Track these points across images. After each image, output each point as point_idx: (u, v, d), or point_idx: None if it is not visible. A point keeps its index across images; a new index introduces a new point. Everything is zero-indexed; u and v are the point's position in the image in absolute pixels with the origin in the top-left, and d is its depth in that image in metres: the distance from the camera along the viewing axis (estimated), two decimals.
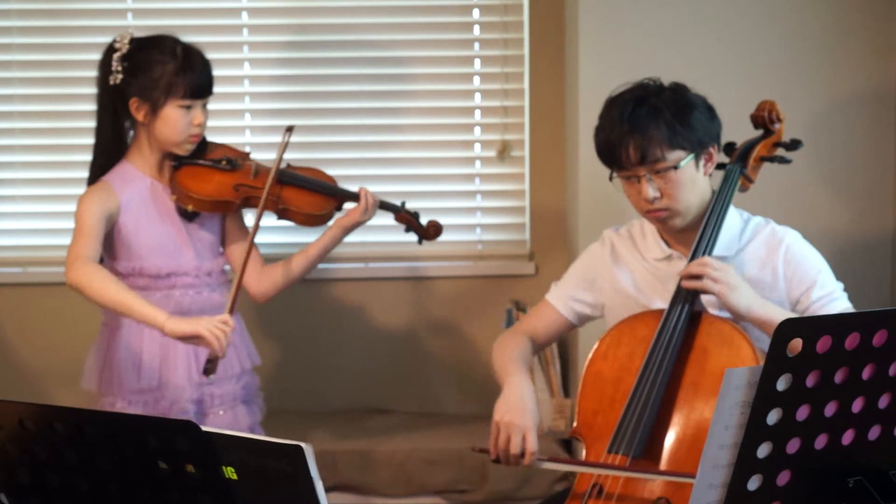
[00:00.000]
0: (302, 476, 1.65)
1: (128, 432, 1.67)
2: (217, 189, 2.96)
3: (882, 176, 3.58)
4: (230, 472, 1.67)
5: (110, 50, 2.91)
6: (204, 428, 1.61)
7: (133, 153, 2.96)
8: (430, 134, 4.00)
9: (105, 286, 2.76)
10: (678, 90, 2.54)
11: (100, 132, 2.98)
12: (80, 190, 4.03)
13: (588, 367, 2.53)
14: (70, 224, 3.93)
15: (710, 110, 2.56)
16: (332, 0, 3.94)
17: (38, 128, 3.96)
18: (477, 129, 4.01)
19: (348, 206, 3.07)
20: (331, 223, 3.08)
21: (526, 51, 3.94)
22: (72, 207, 4.10)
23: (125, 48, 2.89)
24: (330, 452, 3.59)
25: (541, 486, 3.55)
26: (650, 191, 2.48)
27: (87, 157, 3.92)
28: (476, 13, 3.97)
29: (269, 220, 3.08)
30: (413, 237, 3.23)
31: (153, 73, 2.86)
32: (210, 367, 2.80)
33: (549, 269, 3.99)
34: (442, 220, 3.96)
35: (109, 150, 2.98)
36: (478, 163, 4.03)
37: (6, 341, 3.95)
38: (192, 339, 2.74)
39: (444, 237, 3.97)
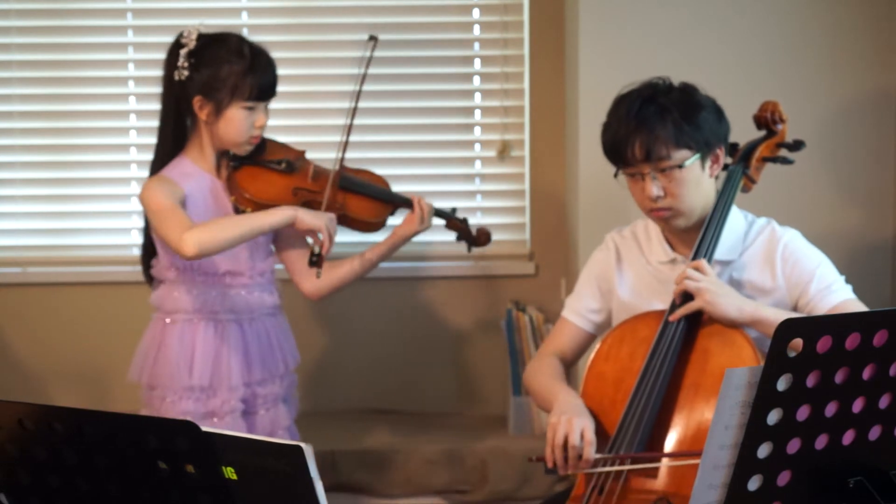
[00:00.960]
0: (302, 476, 1.65)
1: (127, 432, 1.67)
2: (276, 193, 2.94)
3: (883, 176, 3.58)
4: (230, 473, 1.67)
5: (177, 45, 2.89)
6: (204, 428, 1.61)
7: (192, 149, 2.94)
8: (430, 134, 4.00)
9: (221, 233, 2.77)
10: (687, 90, 2.54)
11: (163, 129, 2.96)
12: (81, 190, 4.06)
13: (589, 368, 2.53)
14: (70, 224, 3.97)
15: (718, 112, 2.56)
16: (332, 0, 3.94)
17: (38, 128, 3.96)
18: (477, 129, 4.01)
19: (402, 210, 3.08)
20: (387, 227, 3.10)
21: (526, 51, 3.93)
22: (71, 207, 4.10)
23: (192, 44, 2.87)
24: (330, 452, 3.59)
25: (541, 487, 3.55)
26: (654, 189, 2.47)
27: (88, 157, 3.96)
28: (476, 13, 3.97)
29: None
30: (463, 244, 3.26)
31: (220, 72, 2.84)
32: (316, 260, 2.87)
33: (549, 269, 3.99)
34: (441, 220, 3.98)
35: (171, 146, 2.95)
36: (478, 163, 4.02)
37: (6, 341, 3.95)
38: (312, 232, 2.86)
39: (443, 237, 3.98)
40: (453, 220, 3.18)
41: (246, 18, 3.97)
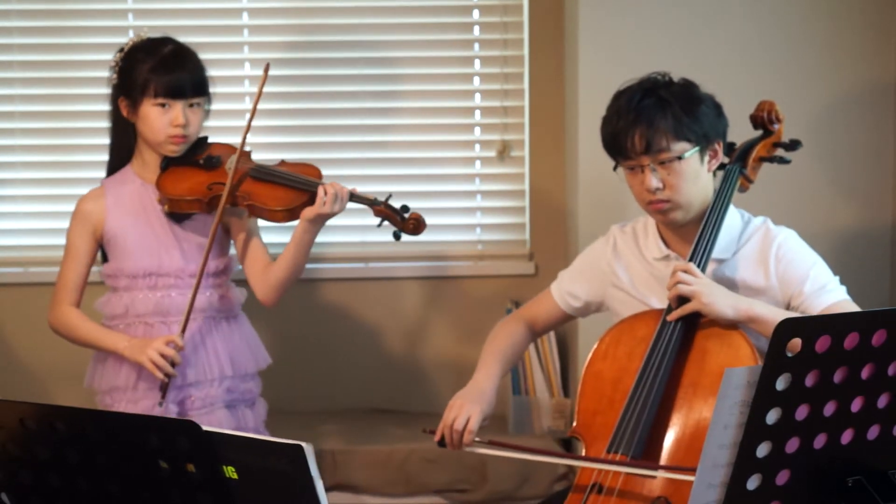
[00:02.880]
0: (302, 475, 1.65)
1: (129, 432, 1.67)
2: (189, 188, 2.93)
3: (882, 173, 3.58)
4: (230, 472, 1.67)
5: (119, 51, 2.97)
6: (205, 427, 1.62)
7: (136, 159, 3.01)
8: (430, 134, 4.00)
9: (76, 332, 2.99)
10: (687, 85, 2.56)
11: (110, 131, 3.05)
12: (82, 190, 4.05)
13: (588, 368, 2.53)
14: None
15: (717, 108, 2.58)
16: (333, 0, 3.95)
17: (39, 128, 3.97)
18: (477, 130, 4.02)
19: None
20: None
21: (526, 51, 3.94)
22: (72, 207, 4.12)
23: (126, 49, 2.95)
24: (330, 452, 3.60)
25: (541, 486, 3.56)
26: (653, 181, 2.48)
27: (88, 157, 3.97)
28: (476, 14, 3.97)
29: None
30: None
31: (134, 71, 2.91)
32: (161, 391, 2.87)
33: (549, 269, 3.99)
34: (442, 221, 3.99)
35: (116, 148, 3.03)
36: (478, 163, 4.03)
37: (7, 341, 3.96)
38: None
39: (444, 237, 3.98)
40: (378, 206, 2.95)
41: (246, 19, 3.97)
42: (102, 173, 3.92)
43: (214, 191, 2.91)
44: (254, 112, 2.94)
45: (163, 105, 2.88)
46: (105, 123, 3.90)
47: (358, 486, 3.62)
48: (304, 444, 1.66)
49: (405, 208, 2.97)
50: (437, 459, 3.62)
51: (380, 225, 2.98)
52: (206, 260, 2.90)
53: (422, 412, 4.00)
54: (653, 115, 2.47)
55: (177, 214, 2.97)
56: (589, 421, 2.47)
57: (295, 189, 2.93)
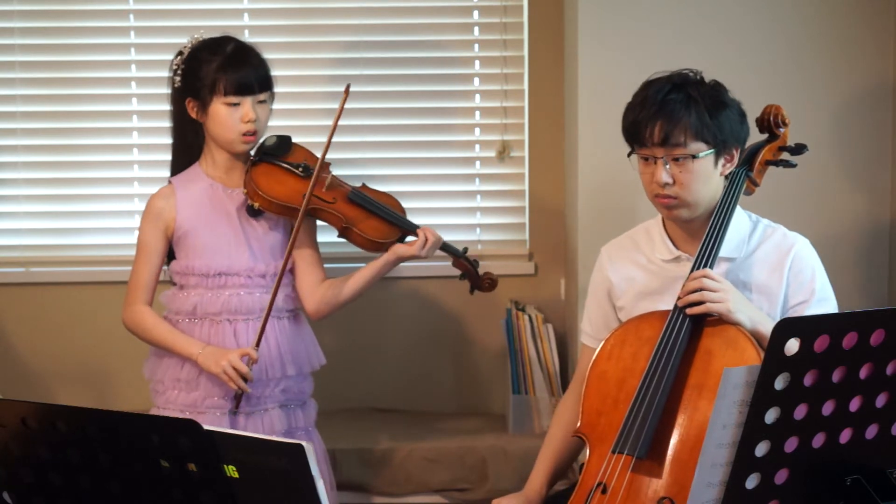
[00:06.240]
0: (303, 474, 1.66)
1: (130, 431, 1.68)
2: (287, 193, 2.98)
3: (880, 172, 3.58)
4: (231, 471, 1.68)
5: (178, 54, 3.00)
6: (205, 427, 1.62)
7: (204, 155, 3.04)
8: (431, 134, 4.01)
9: (150, 333, 3.00)
10: (717, 87, 2.57)
11: (172, 134, 3.08)
12: (83, 190, 4.07)
13: (592, 368, 2.53)
14: (73, 224, 3.98)
15: (742, 115, 2.58)
16: (333, 1, 3.95)
17: (41, 128, 3.97)
18: (477, 130, 4.02)
19: (409, 238, 3.09)
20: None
21: (526, 52, 3.94)
22: (74, 207, 4.13)
23: (187, 51, 2.98)
24: (330, 451, 3.60)
25: None
26: (664, 175, 2.49)
27: (90, 157, 3.98)
28: (476, 14, 3.98)
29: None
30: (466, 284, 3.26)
31: (201, 71, 2.93)
32: (235, 401, 2.94)
33: (548, 268, 3.99)
34: (442, 220, 3.99)
35: (180, 149, 3.06)
36: (478, 163, 4.03)
37: (9, 341, 3.96)
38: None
39: (444, 237, 3.98)
40: (459, 259, 3.19)
41: (247, 20, 3.98)
42: (104, 173, 3.97)
43: (310, 202, 2.97)
44: (333, 129, 3.01)
45: (233, 104, 2.92)
46: (106, 124, 3.96)
47: (358, 484, 3.63)
48: (304, 444, 1.67)
49: (476, 262, 3.20)
50: (437, 458, 3.62)
51: (462, 278, 3.22)
52: (283, 271, 2.96)
53: (422, 412, 4.01)
54: (677, 109, 2.49)
55: (253, 210, 3.00)
56: (594, 421, 2.47)
57: (391, 224, 3.06)
